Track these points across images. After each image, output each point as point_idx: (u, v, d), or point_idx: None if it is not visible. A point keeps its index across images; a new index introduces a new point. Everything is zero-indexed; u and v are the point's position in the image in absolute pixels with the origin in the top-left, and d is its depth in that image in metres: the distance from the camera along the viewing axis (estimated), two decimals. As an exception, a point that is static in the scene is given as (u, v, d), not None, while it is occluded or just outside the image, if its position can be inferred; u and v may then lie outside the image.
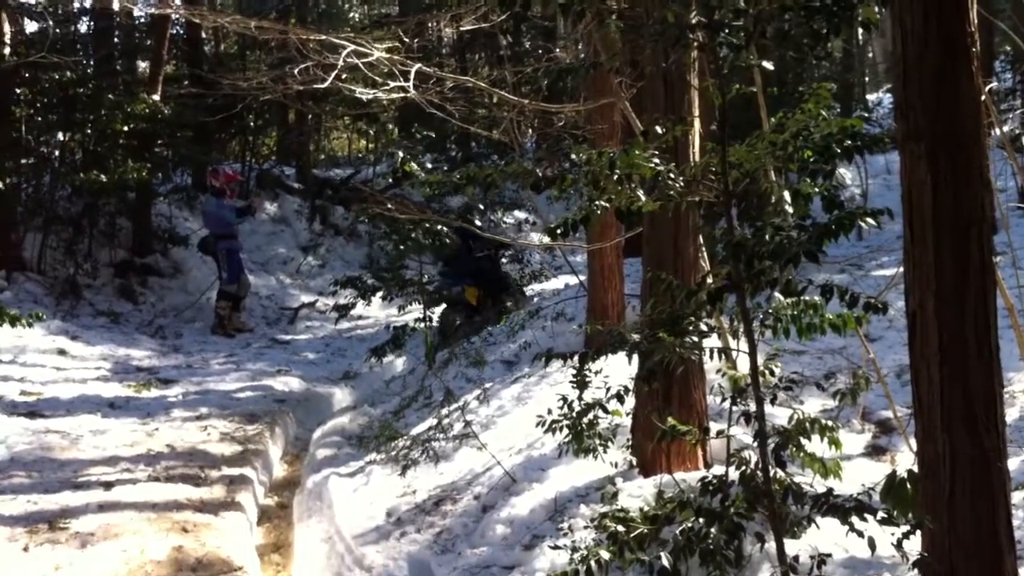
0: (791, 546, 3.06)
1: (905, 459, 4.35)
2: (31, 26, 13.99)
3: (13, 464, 6.58)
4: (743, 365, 3.47)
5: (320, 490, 5.83)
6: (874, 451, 4.77)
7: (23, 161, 12.37)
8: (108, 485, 6.15)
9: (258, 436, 7.53)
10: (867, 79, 20.16)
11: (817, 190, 3.31)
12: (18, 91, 12.26)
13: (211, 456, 6.94)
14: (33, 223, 12.47)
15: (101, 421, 7.77)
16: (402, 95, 6.49)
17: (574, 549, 3.71)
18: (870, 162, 11.59)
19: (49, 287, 11.92)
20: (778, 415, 3.65)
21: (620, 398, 4.06)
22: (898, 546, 2.85)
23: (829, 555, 2.93)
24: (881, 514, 2.84)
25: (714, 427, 3.89)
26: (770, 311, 3.19)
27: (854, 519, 2.85)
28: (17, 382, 8.72)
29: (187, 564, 4.96)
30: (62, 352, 9.95)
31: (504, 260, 11.01)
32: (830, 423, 3.43)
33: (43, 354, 9.72)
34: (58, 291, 11.91)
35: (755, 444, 3.16)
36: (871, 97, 17.86)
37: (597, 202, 3.53)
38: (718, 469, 3.48)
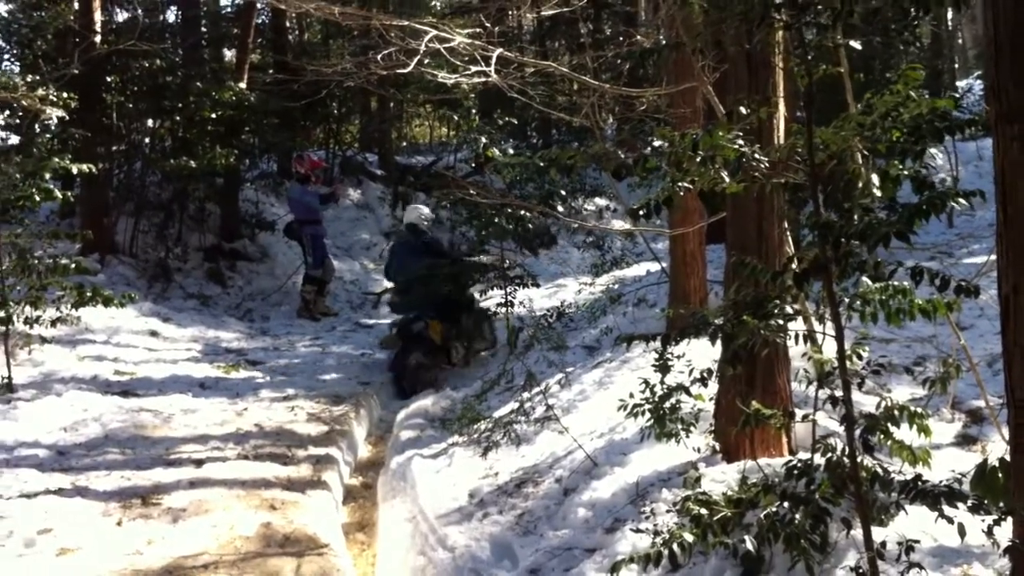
0: (878, 533, 3.02)
1: (997, 449, 4.25)
2: (121, 15, 14.39)
3: (107, 441, 6.79)
4: (829, 350, 3.43)
5: (404, 471, 5.90)
6: (964, 440, 4.67)
7: (114, 148, 12.70)
8: (199, 463, 6.31)
9: (343, 417, 7.65)
10: (956, 65, 19.64)
11: (906, 172, 3.25)
12: (109, 79, 12.53)
13: (298, 436, 7.08)
14: (125, 208, 12.81)
15: (192, 401, 7.97)
16: (483, 80, 6.51)
17: (656, 532, 3.73)
18: (961, 149, 11.30)
19: (141, 270, 12.25)
20: (865, 403, 3.61)
21: (703, 381, 4.04)
22: (989, 533, 2.80)
23: (917, 541, 2.89)
24: (971, 501, 2.79)
25: (799, 414, 3.85)
26: (857, 295, 3.14)
27: (944, 506, 2.81)
28: (111, 362, 8.99)
29: (275, 540, 5.07)
30: (154, 333, 10.22)
31: (478, 284, 9.88)
32: (919, 410, 3.39)
33: (136, 335, 9.99)
34: (150, 274, 12.24)
35: (842, 430, 3.13)
36: (961, 84, 17.39)
37: (680, 184, 3.52)
38: (803, 455, 3.44)
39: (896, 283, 3.11)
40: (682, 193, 3.70)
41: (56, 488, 5.72)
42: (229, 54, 15.82)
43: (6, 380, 7.63)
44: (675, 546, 3.22)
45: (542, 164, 8.15)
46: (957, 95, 4.36)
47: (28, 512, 5.32)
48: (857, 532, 3.13)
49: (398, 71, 6.90)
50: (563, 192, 9.99)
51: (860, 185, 3.41)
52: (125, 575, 4.62)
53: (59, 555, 4.85)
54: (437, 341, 9.05)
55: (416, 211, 9.91)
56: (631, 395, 4.58)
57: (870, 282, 3.19)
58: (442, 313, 9.15)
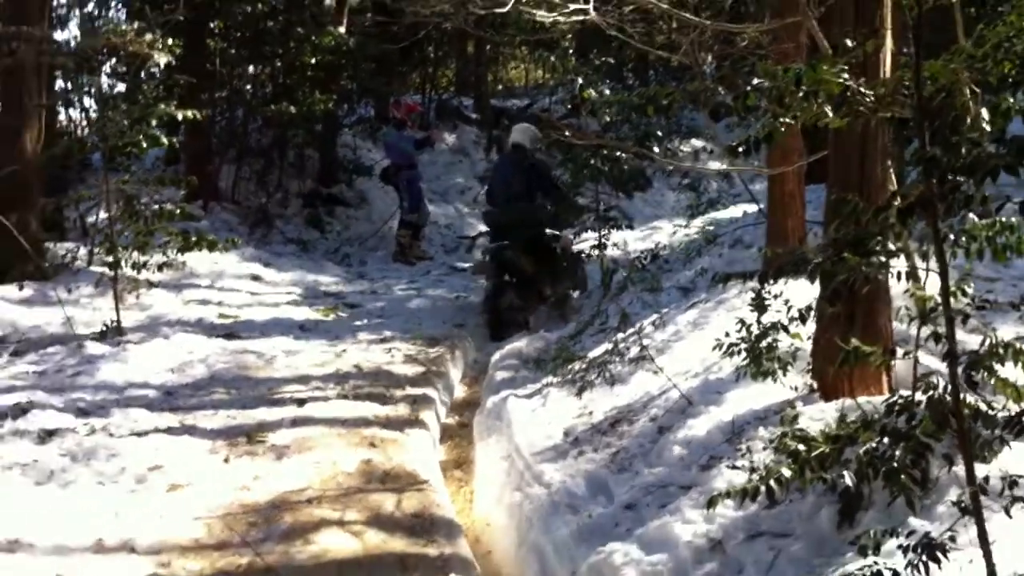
0: (980, 469, 2.96)
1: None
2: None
3: (213, 381, 6.98)
4: (931, 288, 3.34)
5: (499, 410, 5.97)
6: (1072, 380, 4.52)
7: (217, 94, 12.92)
8: (300, 402, 6.46)
9: (439, 358, 7.75)
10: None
11: (1017, 105, 3.13)
12: (212, 24, 12.72)
13: (395, 376, 7.20)
14: (227, 155, 13.08)
15: (293, 343, 8.15)
16: (581, 18, 6.45)
17: (752, 469, 3.71)
18: (1076, 84, 10.78)
19: (243, 216, 12.54)
20: (968, 342, 3.52)
21: (802, 319, 4.00)
22: (1098, 469, 2.72)
23: (1021, 476, 2.82)
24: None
25: (899, 352, 3.78)
26: (963, 230, 3.05)
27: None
28: (215, 305, 9.24)
29: (375, 476, 5.19)
30: (256, 278, 10.48)
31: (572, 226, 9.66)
32: (1024, 347, 3.29)
33: (238, 279, 10.26)
34: (251, 220, 12.52)
35: (944, 367, 3.07)
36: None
37: (781, 119, 3.45)
38: (904, 393, 3.39)
39: (1003, 219, 3.01)
40: (783, 129, 3.63)
41: (165, 427, 5.91)
42: (329, -1, 15.89)
43: (115, 323, 7.86)
44: (772, 481, 3.21)
45: (639, 102, 8.05)
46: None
47: (138, 450, 5.50)
48: (959, 468, 3.08)
49: (495, 11, 6.87)
50: (659, 133, 9.86)
51: (968, 119, 3.30)
52: (233, 509, 4.77)
53: (169, 490, 5.02)
54: (528, 271, 8.95)
55: (524, 130, 9.69)
56: (727, 334, 4.57)
57: (976, 218, 3.10)
58: (535, 247, 9.05)
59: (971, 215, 3.12)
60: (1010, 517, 2.81)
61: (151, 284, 9.07)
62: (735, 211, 9.76)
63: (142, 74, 12.53)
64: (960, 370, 2.99)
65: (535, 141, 9.57)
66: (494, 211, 9.39)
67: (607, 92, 10.24)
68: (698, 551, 3.54)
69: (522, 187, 9.15)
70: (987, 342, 3.24)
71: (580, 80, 9.68)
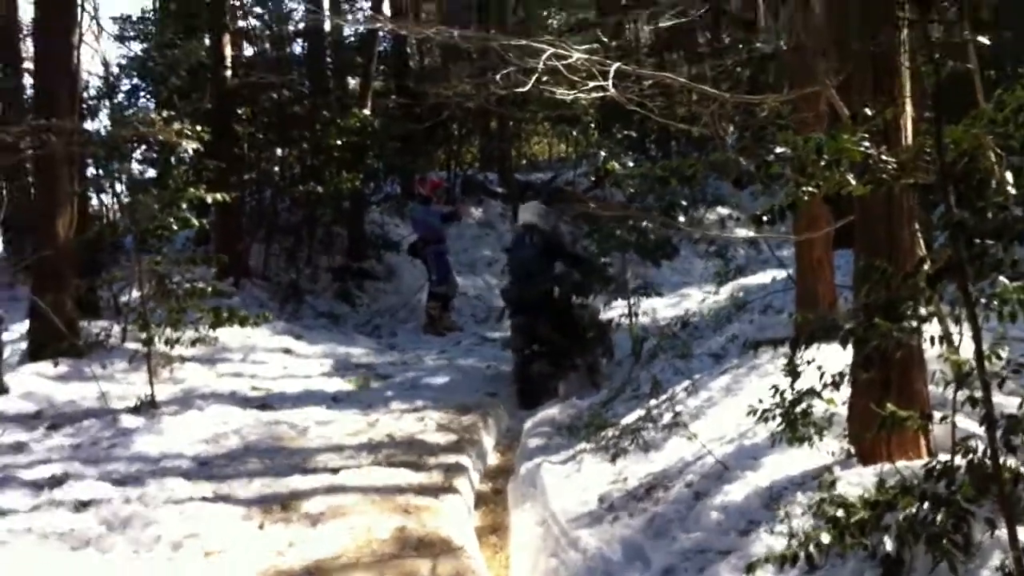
0: (1023, 533, 2.97)
1: None
2: (250, 50, 14.97)
3: (247, 452, 7.04)
4: (965, 352, 3.37)
5: (533, 477, 5.99)
6: (1111, 442, 4.50)
7: (246, 176, 13.19)
8: (334, 471, 6.50)
9: (472, 426, 7.79)
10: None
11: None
12: (239, 111, 13.03)
13: (428, 445, 7.23)
14: (257, 234, 13.31)
15: (325, 413, 8.20)
16: (602, 94, 6.58)
17: (791, 535, 3.71)
18: (1100, 146, 10.83)
19: (273, 292, 12.69)
20: (1006, 404, 3.53)
21: (836, 385, 4.01)
22: None
23: (1063, 539, 2.83)
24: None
25: (936, 416, 3.79)
26: (994, 294, 3.09)
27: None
28: (248, 378, 9.31)
29: (410, 543, 5.20)
30: (287, 351, 10.55)
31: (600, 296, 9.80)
32: (1062, 408, 3.30)
33: (270, 353, 10.33)
34: (282, 296, 12.66)
35: (982, 431, 3.08)
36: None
37: (804, 188, 3.50)
38: (943, 457, 3.39)
39: (1034, 281, 3.05)
40: (807, 198, 3.68)
41: (200, 496, 5.96)
42: (353, 82, 16.26)
43: (149, 397, 7.95)
44: (812, 547, 3.21)
45: (662, 174, 8.15)
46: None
47: (174, 518, 5.56)
48: (1001, 532, 3.08)
49: (516, 90, 7.02)
50: (684, 202, 9.96)
51: (993, 183, 3.35)
52: (268, 574, 4.81)
53: (206, 556, 5.07)
54: (555, 340, 8.99)
55: (532, 208, 9.82)
56: (760, 400, 4.58)
57: (1007, 281, 3.13)
58: (561, 317, 9.12)
59: (1001, 278, 3.16)
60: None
61: (184, 359, 9.18)
62: (764, 277, 9.78)
63: (172, 159, 12.86)
64: (999, 434, 3.00)
65: (544, 217, 9.69)
66: (511, 288, 9.54)
67: (630, 164, 10.37)
68: (738, 617, 3.53)
69: (538, 264, 9.26)
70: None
71: (603, 153, 9.83)
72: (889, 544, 3.19)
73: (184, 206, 8.62)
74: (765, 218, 3.68)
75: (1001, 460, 2.94)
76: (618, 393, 7.63)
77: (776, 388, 4.49)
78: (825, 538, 3.29)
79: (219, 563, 4.98)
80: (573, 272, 9.40)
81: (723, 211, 15.88)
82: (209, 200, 8.90)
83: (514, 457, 7.18)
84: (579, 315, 9.32)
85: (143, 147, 12.19)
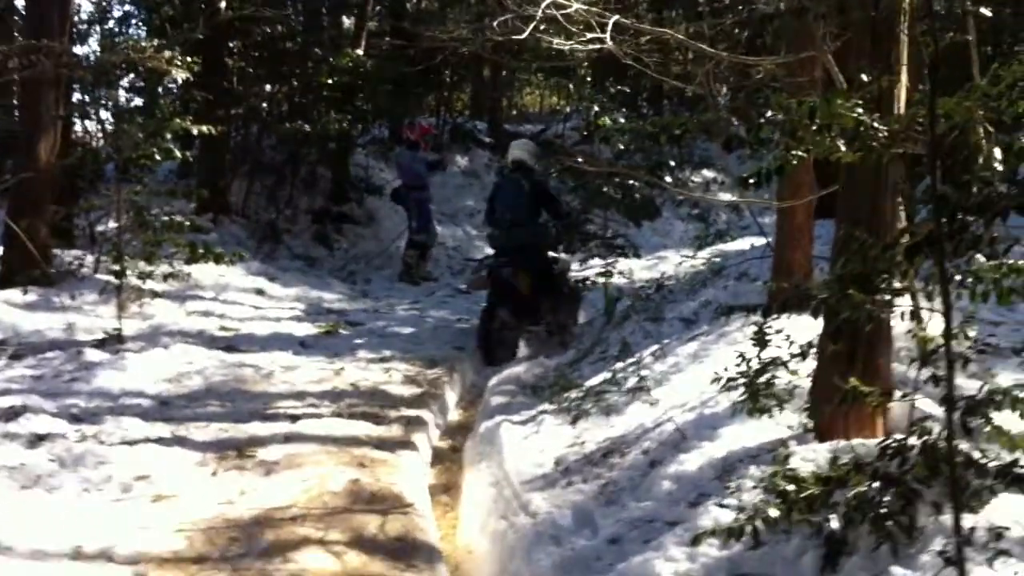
0: (967, 520, 2.87)
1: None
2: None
3: (209, 394, 6.97)
4: (933, 330, 3.26)
5: (492, 435, 5.88)
6: (1069, 432, 4.40)
7: (233, 111, 12.98)
8: (294, 418, 6.42)
9: (437, 380, 7.69)
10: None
11: (1031, 145, 3.06)
12: (231, 44, 12.84)
13: (392, 397, 7.14)
14: (240, 170, 13.12)
15: (292, 358, 8.11)
16: (598, 47, 6.42)
17: (741, 509, 3.61)
18: (1095, 128, 10.72)
19: (251, 231, 12.55)
20: (967, 388, 3.42)
21: (803, 355, 3.92)
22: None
23: (1007, 528, 2.72)
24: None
25: (897, 394, 3.68)
26: (970, 271, 2.98)
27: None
28: (218, 318, 9.23)
29: (362, 497, 5.11)
30: (260, 292, 10.47)
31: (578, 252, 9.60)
32: (1022, 395, 3.20)
33: (243, 293, 10.25)
34: (259, 235, 12.52)
35: (940, 412, 2.98)
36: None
37: (794, 152, 3.40)
38: (899, 436, 3.29)
39: (1011, 261, 2.93)
40: (795, 163, 3.57)
41: (156, 437, 5.90)
42: (348, 21, 15.99)
43: (116, 331, 7.86)
44: (758, 521, 3.12)
45: (652, 130, 8.00)
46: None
47: (127, 458, 5.49)
48: (946, 517, 2.98)
49: (513, 37, 6.86)
50: (671, 162, 9.81)
51: (981, 158, 3.23)
52: (216, 523, 4.71)
53: (154, 501, 4.99)
54: (523, 291, 8.71)
55: (524, 145, 9.43)
56: (725, 368, 4.48)
57: (984, 259, 3.03)
58: (536, 270, 8.82)
59: (979, 256, 3.05)
60: (992, 569, 2.72)
61: (155, 294, 9.09)
62: (743, 243, 9.69)
63: (159, 89, 12.63)
64: (957, 416, 2.90)
65: (535, 157, 9.32)
66: (499, 234, 9.17)
67: (621, 120, 10.19)
68: (679, 590, 3.43)
69: (527, 208, 8.92)
70: (985, 388, 3.16)
71: (595, 108, 9.65)
72: (835, 522, 3.10)
73: (169, 137, 8.47)
74: (751, 180, 3.60)
75: (956, 443, 2.84)
76: (586, 354, 7.53)
77: (743, 356, 4.39)
78: (773, 512, 3.21)
79: (167, 508, 4.89)
80: (557, 223, 9.19)
81: (709, 174, 15.72)
82: (195, 132, 8.74)
83: (476, 414, 7.08)
84: (558, 270, 9.14)
85: (131, 75, 12.02)
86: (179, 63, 9.25)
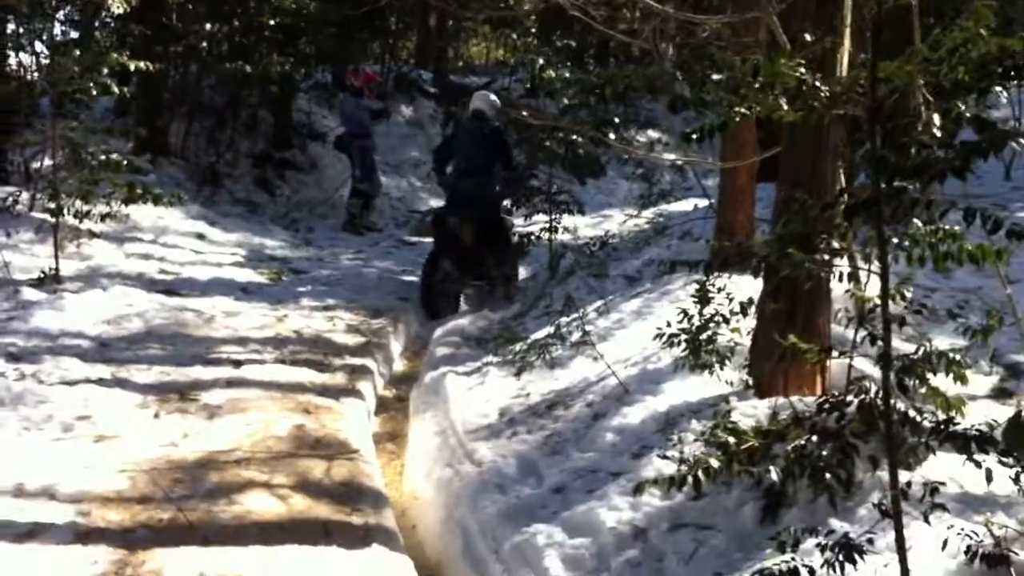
0: (904, 476, 2.99)
1: (1035, 404, 4.19)
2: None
3: (149, 336, 6.91)
4: (872, 291, 3.37)
5: (437, 386, 5.94)
6: (1000, 394, 4.57)
7: (172, 49, 12.70)
8: (237, 363, 6.42)
9: (381, 330, 7.71)
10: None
11: (968, 112, 3.15)
12: (170, -22, 12.52)
13: (335, 345, 7.15)
14: (179, 110, 12.86)
15: (234, 304, 8.07)
16: (546, -4, 6.42)
17: (682, 460, 3.72)
18: (1027, 101, 10.98)
19: (191, 173, 12.35)
20: (904, 350, 3.55)
21: (743, 311, 4.02)
22: (1016, 480, 2.76)
23: (943, 483, 2.86)
24: (1001, 447, 2.75)
25: (835, 352, 3.80)
26: (906, 234, 3.07)
27: (973, 451, 2.77)
28: (157, 261, 9.12)
29: (306, 442, 5.15)
30: (200, 236, 10.33)
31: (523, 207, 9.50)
32: (957, 357, 3.33)
33: (182, 237, 10.11)
34: (199, 178, 12.32)
35: (877, 371, 3.09)
36: (1037, 35, 16.87)
37: (736, 109, 3.45)
38: (836, 393, 3.42)
39: (947, 227, 3.03)
40: (737, 119, 3.64)
41: (96, 378, 5.86)
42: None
43: (53, 271, 7.75)
44: (700, 472, 3.22)
45: (597, 82, 8.03)
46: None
47: (68, 399, 5.47)
48: (883, 472, 3.11)
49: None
50: (616, 120, 9.84)
51: (920, 124, 3.31)
52: (159, 464, 4.72)
53: (96, 441, 4.98)
54: (468, 241, 8.59)
55: (485, 97, 9.33)
56: (668, 324, 4.58)
57: (920, 224, 3.12)
58: (484, 222, 8.70)
59: (916, 220, 3.14)
60: (928, 524, 2.85)
61: (93, 234, 8.95)
62: (686, 204, 9.80)
63: (96, 22, 12.28)
64: (892, 374, 3.02)
65: (496, 110, 9.22)
66: (452, 181, 9.04)
67: (566, 75, 10.18)
68: (621, 537, 3.55)
69: (484, 158, 8.80)
70: (921, 349, 3.28)
71: (541, 61, 9.61)
72: (774, 474, 3.21)
73: (105, 72, 8.25)
74: (695, 136, 3.64)
75: (893, 400, 2.95)
76: (531, 308, 7.61)
77: (685, 313, 4.49)
78: (714, 463, 3.31)
79: (109, 449, 4.88)
80: (505, 176, 9.17)
81: (654, 134, 15.79)
82: (132, 68, 8.53)
83: (421, 364, 7.13)
84: (507, 224, 9.16)
85: (68, 6, 11.67)
86: (116, -7, 9.03)
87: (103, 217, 8.38)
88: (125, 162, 8.63)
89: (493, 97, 9.45)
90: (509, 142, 9.32)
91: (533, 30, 13.50)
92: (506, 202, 9.31)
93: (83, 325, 6.88)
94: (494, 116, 9.14)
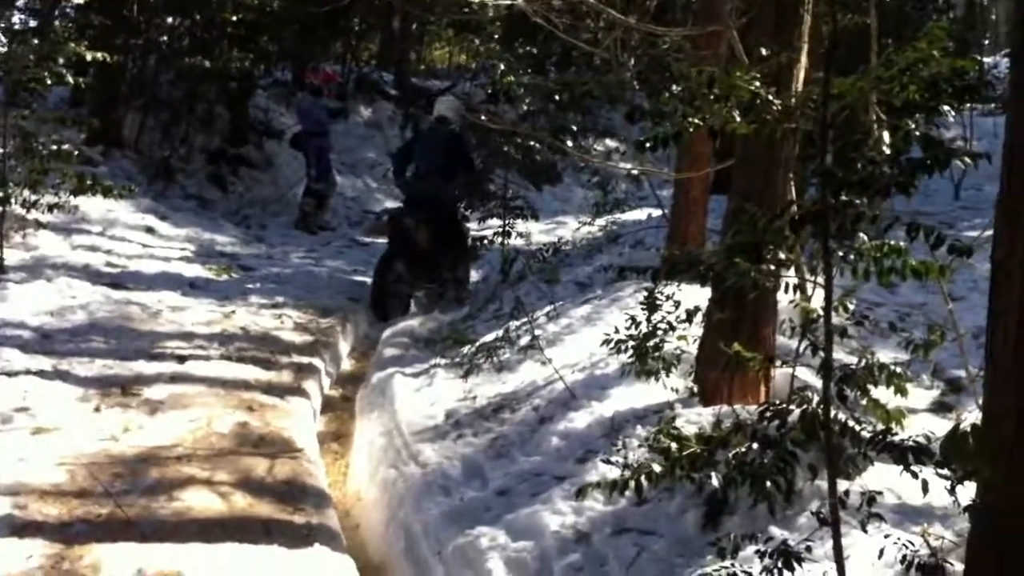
0: (842, 485, 3.03)
1: (972, 418, 4.25)
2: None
3: (93, 329, 6.83)
4: (817, 303, 3.40)
5: (384, 386, 5.92)
6: (940, 408, 4.65)
7: (131, 41, 12.55)
8: (182, 359, 6.36)
9: (330, 329, 7.67)
10: (987, 42, 19.33)
11: (916, 129, 3.20)
12: (133, -30, 12.36)
13: (283, 343, 7.10)
14: (134, 103, 12.70)
15: (181, 299, 8.00)
16: (510, 2, 6.44)
17: (626, 466, 3.74)
18: (977, 124, 11.20)
19: (144, 166, 12.20)
20: (846, 362, 3.59)
21: (689, 318, 4.05)
22: (951, 491, 2.80)
23: (880, 493, 2.90)
24: (938, 458, 2.79)
25: (779, 362, 3.84)
26: (852, 247, 3.11)
27: (911, 462, 2.81)
28: (104, 253, 9.00)
29: (250, 440, 5.11)
30: (150, 230, 10.22)
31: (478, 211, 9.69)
32: (898, 370, 3.38)
33: (131, 229, 10.00)
34: (152, 171, 12.17)
35: (820, 383, 3.12)
36: (988, 60, 17.20)
37: (691, 119, 3.48)
38: (778, 401, 3.45)
39: (892, 242, 3.07)
40: (691, 130, 3.67)
41: (37, 369, 5.78)
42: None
43: (-2, 260, 7.62)
44: (642, 477, 3.24)
45: (556, 88, 8.06)
46: (983, 70, 4.29)
47: (6, 390, 5.38)
48: (822, 482, 3.14)
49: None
50: (574, 127, 9.88)
51: (871, 140, 3.36)
52: (98, 459, 4.66)
53: (34, 433, 4.91)
54: (423, 244, 8.49)
55: (450, 103, 9.33)
56: (616, 330, 4.60)
57: (866, 238, 3.16)
58: (440, 225, 8.64)
59: (862, 235, 3.18)
60: (866, 533, 2.88)
61: (40, 224, 8.85)
62: (640, 214, 9.84)
63: (56, 12, 12.11)
64: (834, 385, 3.05)
65: (459, 116, 9.20)
66: (412, 183, 8.99)
67: (526, 80, 10.21)
68: (564, 541, 3.55)
69: (444, 162, 8.72)
70: (863, 361, 3.32)
71: (502, 66, 9.63)
72: (716, 481, 3.23)
73: (62, 61, 8.16)
74: (648, 144, 3.67)
75: (833, 411, 2.98)
76: (481, 311, 7.60)
77: (633, 319, 4.52)
78: (657, 469, 3.33)
79: (48, 442, 4.81)
80: (466, 181, 9.15)
81: (611, 144, 15.86)
82: (89, 58, 8.43)
83: (369, 365, 7.09)
84: (463, 228, 9.15)
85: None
86: (77, -20, 8.92)
87: (51, 207, 8.27)
88: (76, 152, 8.52)
89: (458, 102, 9.46)
90: (470, 146, 9.31)
91: (496, 36, 13.52)
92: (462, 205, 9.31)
93: (25, 316, 6.79)
94: (457, 121, 9.11)
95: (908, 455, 2.81)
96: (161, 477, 4.50)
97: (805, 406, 3.18)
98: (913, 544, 2.88)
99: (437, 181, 8.70)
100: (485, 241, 9.63)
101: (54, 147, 8.23)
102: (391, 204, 9.72)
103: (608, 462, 3.89)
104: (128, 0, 12.26)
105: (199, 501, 4.28)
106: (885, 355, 4.49)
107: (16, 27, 11.15)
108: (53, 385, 5.60)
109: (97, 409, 5.38)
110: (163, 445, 4.88)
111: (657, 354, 4.40)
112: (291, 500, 4.43)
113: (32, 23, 12.63)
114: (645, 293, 4.62)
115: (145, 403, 5.50)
